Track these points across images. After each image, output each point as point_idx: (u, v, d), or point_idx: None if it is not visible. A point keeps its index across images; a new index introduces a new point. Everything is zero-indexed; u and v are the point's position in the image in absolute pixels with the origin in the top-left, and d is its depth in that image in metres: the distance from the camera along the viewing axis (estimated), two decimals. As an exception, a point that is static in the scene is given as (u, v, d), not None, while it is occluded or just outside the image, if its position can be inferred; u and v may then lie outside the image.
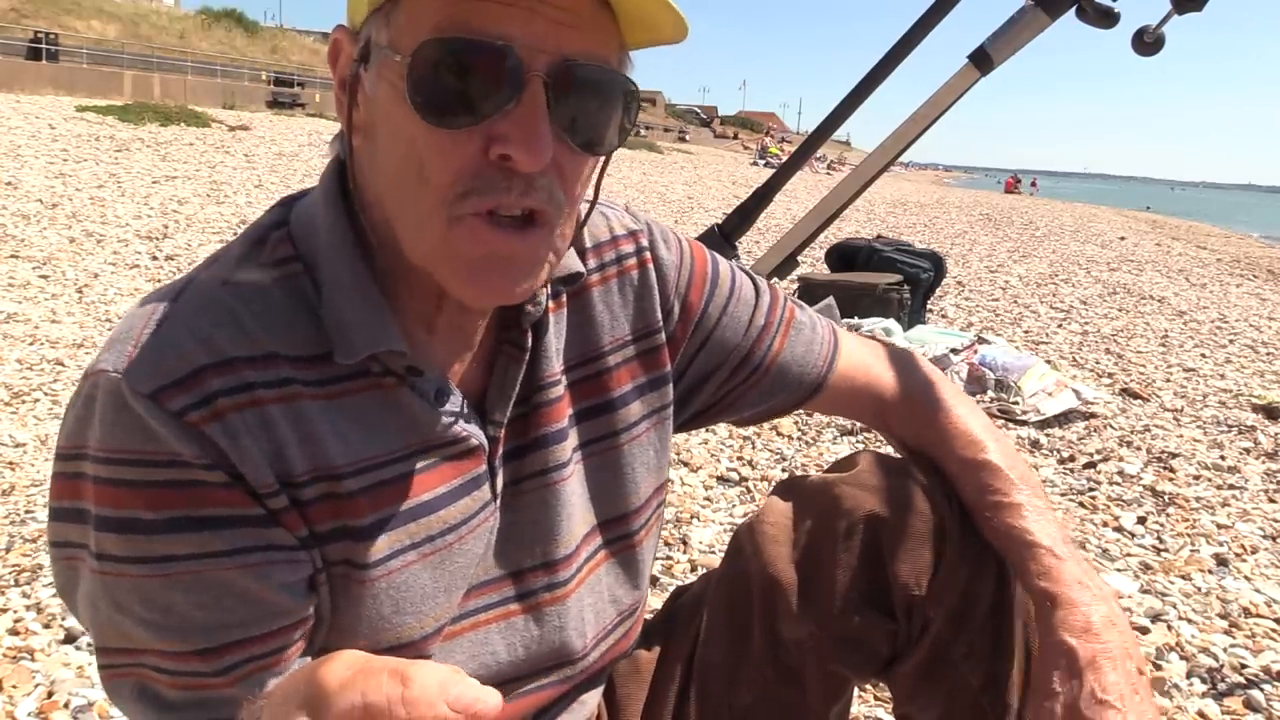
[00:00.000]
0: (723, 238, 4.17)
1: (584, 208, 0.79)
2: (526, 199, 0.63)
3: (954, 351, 3.88)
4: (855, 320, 4.30)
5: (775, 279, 4.64)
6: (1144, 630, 1.96)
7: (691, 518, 2.42)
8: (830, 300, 4.33)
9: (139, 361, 0.62)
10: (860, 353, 0.97)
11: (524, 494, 0.79)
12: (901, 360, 0.98)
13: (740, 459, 2.89)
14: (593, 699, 0.89)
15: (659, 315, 0.86)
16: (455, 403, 0.73)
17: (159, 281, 4.89)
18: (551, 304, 0.80)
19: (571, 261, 0.78)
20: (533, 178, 0.63)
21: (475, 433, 0.74)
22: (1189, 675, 1.80)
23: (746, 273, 0.94)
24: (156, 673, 0.64)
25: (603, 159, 0.70)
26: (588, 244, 0.83)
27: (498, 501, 0.77)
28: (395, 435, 0.70)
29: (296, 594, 0.67)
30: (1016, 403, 3.51)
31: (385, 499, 0.70)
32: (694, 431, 0.95)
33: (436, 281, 0.67)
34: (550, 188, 0.65)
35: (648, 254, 0.86)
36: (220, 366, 0.63)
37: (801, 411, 0.95)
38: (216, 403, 0.62)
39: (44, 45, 22.89)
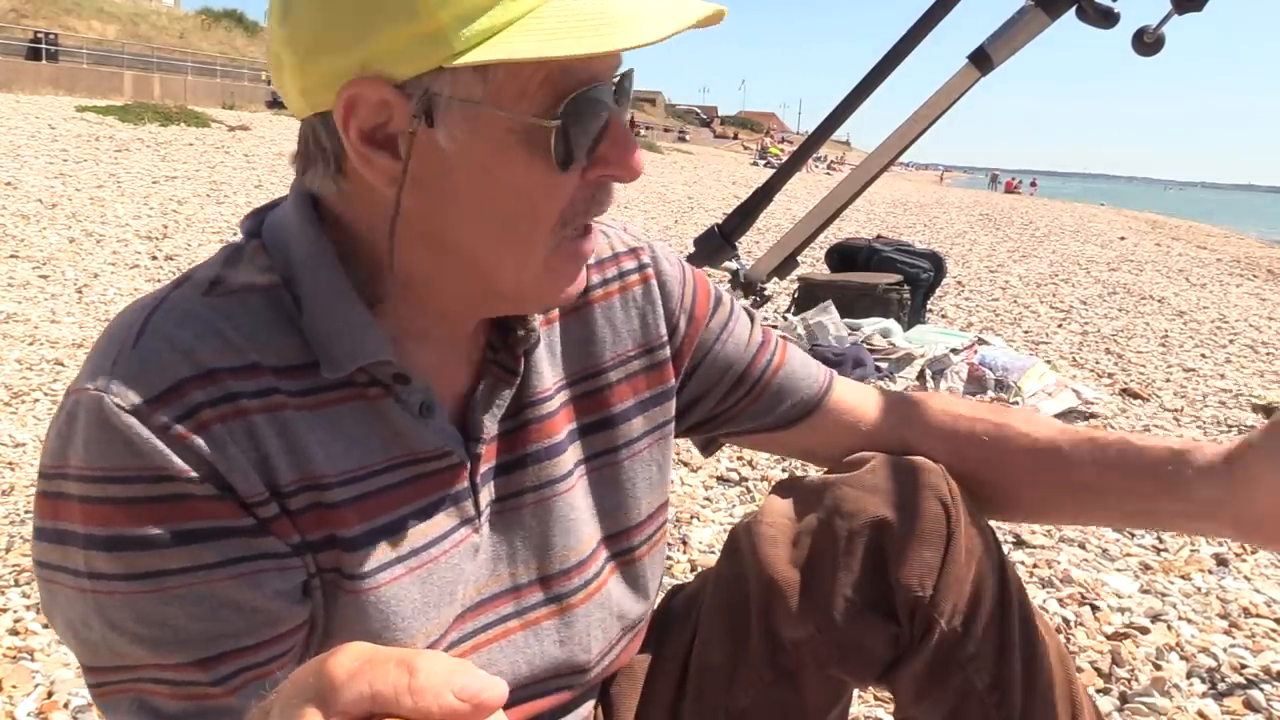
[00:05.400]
0: (723, 238, 4.17)
1: None
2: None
3: (954, 351, 3.89)
4: (855, 320, 4.30)
5: (775, 279, 4.65)
6: (1144, 630, 1.96)
7: (691, 518, 2.43)
8: (829, 303, 4.33)
9: (120, 377, 0.61)
10: (855, 385, 0.99)
11: (515, 510, 0.79)
12: (899, 393, 1.01)
13: (740, 459, 2.89)
14: (590, 705, 0.89)
15: (664, 330, 0.87)
16: (439, 417, 0.73)
17: (159, 281, 4.89)
18: (541, 319, 0.80)
19: None
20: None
21: (456, 448, 0.74)
22: (1189, 675, 1.80)
23: (739, 303, 0.97)
24: (155, 685, 0.64)
25: None
26: (589, 260, 0.83)
27: (481, 519, 0.77)
28: (378, 447, 0.70)
29: (291, 601, 0.66)
30: (1016, 403, 3.52)
31: (371, 510, 0.70)
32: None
33: (460, 301, 0.71)
34: None
35: (650, 269, 0.87)
36: (202, 378, 0.63)
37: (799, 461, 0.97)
38: (200, 414, 0.62)
39: (44, 45, 22.91)
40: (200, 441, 0.62)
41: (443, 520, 0.74)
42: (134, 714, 0.64)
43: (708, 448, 1.00)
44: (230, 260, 0.69)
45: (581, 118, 0.63)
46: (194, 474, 0.61)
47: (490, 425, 0.76)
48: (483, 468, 0.77)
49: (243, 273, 0.68)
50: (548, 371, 0.80)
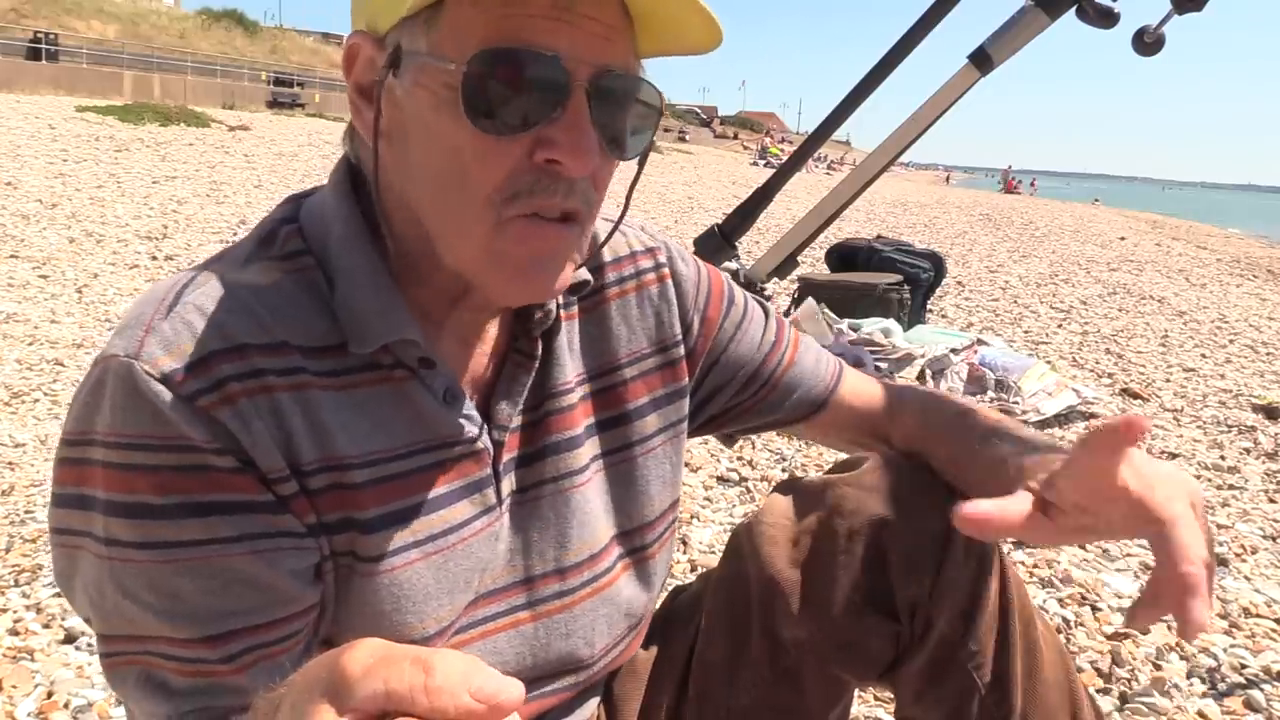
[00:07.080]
0: (723, 238, 4.18)
1: (604, 226, 0.82)
2: (568, 201, 0.66)
3: (954, 352, 3.89)
4: (855, 320, 4.30)
5: (775, 279, 4.65)
6: (1144, 630, 1.96)
7: (691, 518, 2.43)
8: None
9: (150, 346, 0.62)
10: (863, 379, 1.00)
11: (534, 501, 0.80)
12: (902, 386, 1.02)
13: (740, 459, 2.89)
14: (594, 703, 0.89)
15: (678, 329, 0.88)
16: (463, 404, 0.74)
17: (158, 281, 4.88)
18: (563, 313, 0.81)
19: (580, 270, 0.80)
20: (575, 181, 0.66)
21: (480, 435, 0.75)
22: (1189, 675, 1.80)
23: (755, 299, 0.97)
24: (163, 660, 0.64)
25: (637, 164, 0.73)
26: (606, 259, 0.85)
27: (502, 507, 0.77)
28: (402, 431, 0.71)
29: (304, 581, 0.67)
30: (1016, 403, 3.52)
31: (390, 494, 0.70)
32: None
33: (461, 281, 0.70)
34: (586, 190, 0.68)
35: (666, 269, 0.88)
36: (231, 352, 0.64)
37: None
38: (227, 387, 0.63)
39: (44, 45, 22.91)
40: (225, 414, 0.62)
41: (464, 508, 0.74)
42: (141, 686, 0.65)
43: (730, 439, 1.02)
44: (263, 244, 0.71)
45: (496, 72, 0.62)
46: (216, 445, 0.62)
47: (512, 413, 0.77)
48: (505, 457, 0.77)
49: (274, 255, 0.70)
50: (569, 364, 0.81)
